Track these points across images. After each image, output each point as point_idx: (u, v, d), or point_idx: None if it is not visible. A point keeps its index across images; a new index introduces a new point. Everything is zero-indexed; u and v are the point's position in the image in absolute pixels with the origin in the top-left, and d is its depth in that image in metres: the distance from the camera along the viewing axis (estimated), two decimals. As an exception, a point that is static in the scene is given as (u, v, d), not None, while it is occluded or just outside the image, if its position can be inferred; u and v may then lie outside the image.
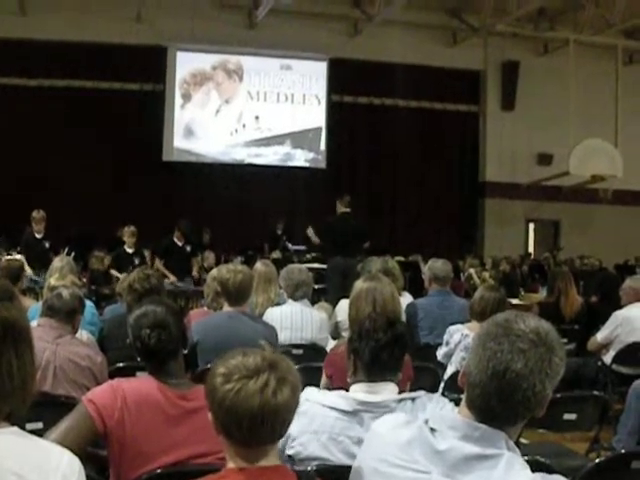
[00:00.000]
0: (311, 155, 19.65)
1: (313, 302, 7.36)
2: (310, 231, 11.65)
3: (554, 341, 1.99)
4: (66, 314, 4.42)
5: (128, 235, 12.61)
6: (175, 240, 12.91)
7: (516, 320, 2.00)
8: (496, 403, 1.96)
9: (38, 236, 12.07)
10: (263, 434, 2.11)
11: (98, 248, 13.93)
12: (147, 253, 13.50)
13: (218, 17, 18.28)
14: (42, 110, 17.10)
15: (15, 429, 1.84)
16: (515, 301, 11.30)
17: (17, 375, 1.85)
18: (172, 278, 12.17)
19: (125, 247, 12.68)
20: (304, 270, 6.62)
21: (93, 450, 3.02)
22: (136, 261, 12.33)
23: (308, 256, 15.09)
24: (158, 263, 12.54)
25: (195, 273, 13.25)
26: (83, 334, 4.99)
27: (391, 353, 3.12)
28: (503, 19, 18.60)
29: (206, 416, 2.49)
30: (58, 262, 7.20)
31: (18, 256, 10.26)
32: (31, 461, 1.79)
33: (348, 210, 11.27)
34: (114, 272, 12.37)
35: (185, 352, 3.27)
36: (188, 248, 13.10)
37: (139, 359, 3.23)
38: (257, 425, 2.08)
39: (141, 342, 3.14)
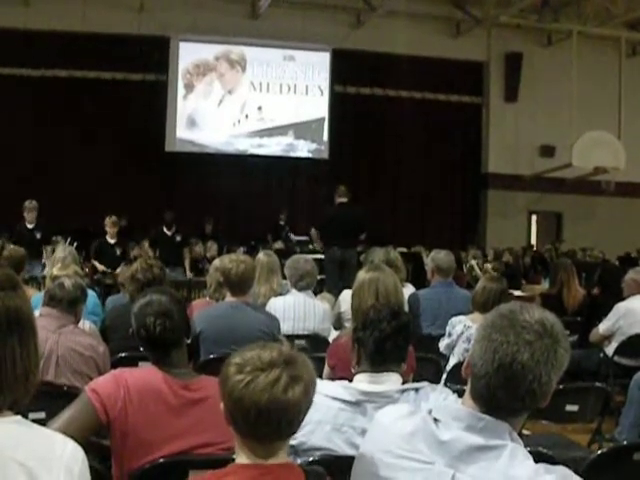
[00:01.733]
0: (314, 146, 19.62)
1: (315, 293, 7.37)
2: (313, 232, 11.61)
3: (559, 332, 1.99)
4: (68, 304, 4.42)
5: (110, 225, 12.40)
6: (164, 230, 12.88)
7: (521, 311, 1.99)
8: (502, 394, 1.96)
9: (30, 226, 12.03)
10: (269, 430, 2.09)
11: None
12: (145, 243, 13.53)
13: (221, 8, 18.25)
14: (45, 100, 17.13)
15: (18, 418, 1.84)
16: (517, 292, 11.30)
17: (20, 364, 1.85)
18: (100, 268, 12.13)
19: (107, 237, 12.48)
20: (310, 261, 6.62)
21: (96, 439, 3.03)
22: (117, 252, 12.27)
23: (310, 247, 15.10)
24: (93, 260, 12.45)
25: (188, 265, 13.18)
26: (86, 324, 5.00)
27: (395, 343, 3.12)
28: (507, 10, 18.59)
29: (209, 406, 2.48)
30: (61, 252, 7.21)
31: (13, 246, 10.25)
32: (35, 450, 1.79)
33: (345, 200, 11.25)
34: (95, 263, 12.25)
35: (188, 342, 3.26)
36: (178, 237, 13.07)
37: (142, 348, 3.22)
38: (263, 420, 2.06)
39: (146, 330, 3.13)
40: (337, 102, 19.59)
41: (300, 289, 6.27)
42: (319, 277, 10.94)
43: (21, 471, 1.74)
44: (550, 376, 1.95)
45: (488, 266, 13.26)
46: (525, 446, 2.03)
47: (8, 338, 1.84)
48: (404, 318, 3.24)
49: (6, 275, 1.94)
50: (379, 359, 3.10)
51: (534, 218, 21.93)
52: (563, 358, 1.97)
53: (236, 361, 2.14)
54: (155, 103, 18.17)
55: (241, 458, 2.14)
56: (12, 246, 8.50)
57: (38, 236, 11.88)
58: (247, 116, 19.11)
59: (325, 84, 19.51)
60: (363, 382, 3.07)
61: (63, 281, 4.53)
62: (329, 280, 10.72)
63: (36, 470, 1.76)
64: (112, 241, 12.46)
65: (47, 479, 1.76)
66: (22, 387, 1.87)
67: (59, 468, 1.79)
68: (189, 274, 12.86)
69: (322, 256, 11.99)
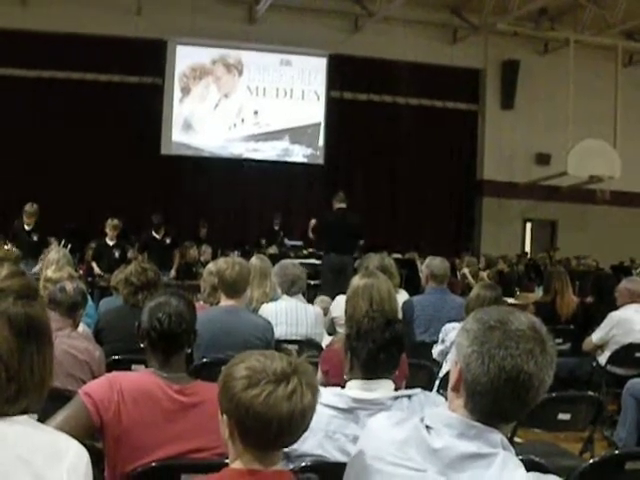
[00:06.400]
0: (309, 151, 19.66)
1: (309, 298, 7.37)
2: (312, 223, 11.58)
3: (543, 329, 2.01)
4: (68, 308, 4.42)
5: (110, 228, 12.50)
6: (153, 234, 12.86)
7: (510, 319, 1.98)
8: (510, 406, 1.96)
9: (27, 228, 12.04)
10: (288, 438, 2.13)
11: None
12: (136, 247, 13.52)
13: (218, 11, 18.26)
14: (41, 102, 17.12)
15: (25, 418, 1.87)
16: (511, 300, 11.29)
17: (37, 371, 1.89)
18: (97, 271, 12.20)
19: (106, 239, 12.57)
20: (297, 265, 6.64)
21: (89, 442, 3.01)
22: (116, 254, 12.29)
23: (305, 252, 15.10)
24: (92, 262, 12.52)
25: (175, 267, 13.10)
26: (79, 326, 4.98)
27: (389, 353, 3.12)
28: (504, 18, 18.60)
29: (204, 411, 2.46)
30: (54, 254, 7.16)
31: (9, 246, 10.24)
32: (39, 448, 1.82)
33: (343, 205, 11.25)
34: (94, 265, 12.32)
35: (189, 351, 3.23)
36: (168, 240, 13.04)
37: (144, 346, 3.17)
38: (285, 430, 2.08)
39: (160, 323, 3.09)
40: (333, 107, 19.64)
41: (292, 294, 6.26)
42: (315, 282, 11.04)
43: (25, 468, 1.77)
44: (550, 375, 1.97)
45: (484, 274, 13.29)
46: (517, 454, 2.02)
47: (27, 346, 1.88)
48: (398, 328, 3.23)
49: (27, 284, 1.96)
50: (372, 368, 3.10)
51: (529, 226, 21.95)
52: (554, 352, 1.99)
53: (243, 374, 2.11)
54: (151, 106, 18.18)
55: (236, 464, 2.14)
56: (8, 246, 8.50)
57: (35, 238, 11.89)
58: (243, 120, 19.15)
59: (321, 89, 19.56)
60: (355, 389, 3.07)
61: (65, 285, 4.52)
62: (325, 286, 10.70)
63: (40, 468, 1.79)
64: (111, 243, 12.52)
65: (51, 476, 1.79)
66: (37, 394, 1.91)
67: (63, 466, 1.82)
68: (173, 274, 12.78)
69: (315, 261, 11.99)
